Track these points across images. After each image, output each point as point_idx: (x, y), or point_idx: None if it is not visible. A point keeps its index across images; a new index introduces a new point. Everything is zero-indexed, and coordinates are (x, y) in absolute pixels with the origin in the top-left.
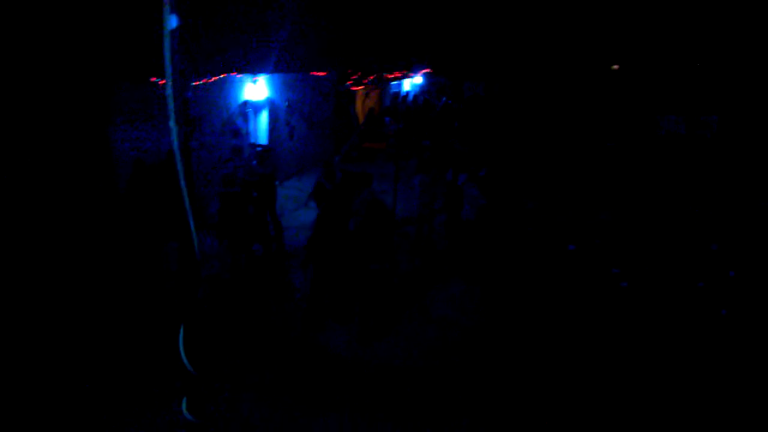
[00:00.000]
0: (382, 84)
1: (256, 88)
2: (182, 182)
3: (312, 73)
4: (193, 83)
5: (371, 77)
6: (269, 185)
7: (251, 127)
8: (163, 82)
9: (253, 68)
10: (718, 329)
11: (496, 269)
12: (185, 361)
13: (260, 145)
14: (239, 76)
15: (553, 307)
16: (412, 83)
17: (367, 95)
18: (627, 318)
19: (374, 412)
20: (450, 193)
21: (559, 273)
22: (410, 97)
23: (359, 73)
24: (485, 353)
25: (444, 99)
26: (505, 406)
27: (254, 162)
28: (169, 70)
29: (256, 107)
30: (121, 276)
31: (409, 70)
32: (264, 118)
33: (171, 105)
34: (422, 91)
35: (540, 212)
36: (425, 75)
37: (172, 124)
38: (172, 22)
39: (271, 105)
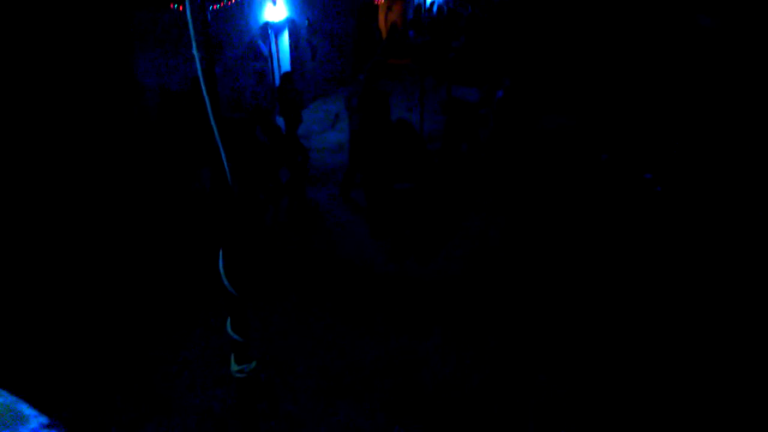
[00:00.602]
0: None
1: (276, 9)
2: (209, 111)
3: None
4: (212, 6)
5: None
6: (294, 110)
7: (273, 49)
8: (182, 7)
9: None
10: (757, 229)
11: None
12: (226, 283)
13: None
14: None
15: (589, 215)
16: None
17: (389, 8)
18: (662, 220)
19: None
20: (452, 111)
21: (594, 182)
22: (435, 8)
23: None
24: (513, 268)
25: (470, 8)
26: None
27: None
28: None
29: (277, 28)
30: (157, 200)
31: None
32: (285, 39)
33: (192, 30)
34: (446, 1)
35: (570, 127)
36: None
37: (194, 50)
38: None
39: (292, 25)
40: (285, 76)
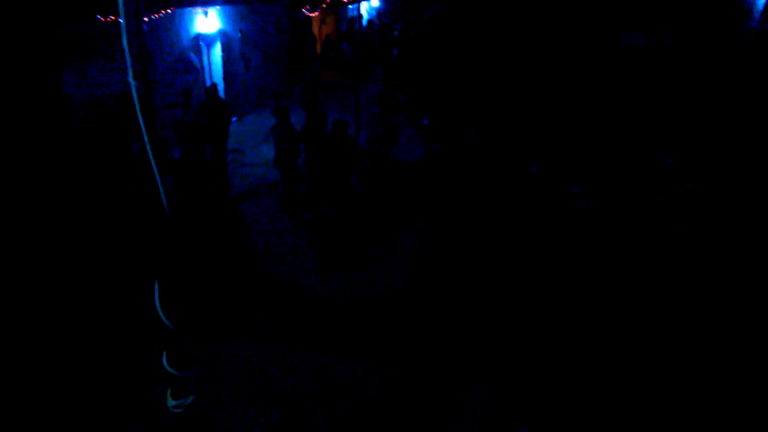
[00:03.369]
0: (339, 9)
1: (207, 21)
2: (143, 127)
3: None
4: (144, 18)
5: (327, 1)
6: (220, 123)
7: (204, 61)
8: (111, 19)
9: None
10: (676, 241)
11: (462, 203)
12: (163, 317)
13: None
14: (190, 8)
15: (519, 230)
16: (369, 6)
17: (323, 21)
18: (587, 234)
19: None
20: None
21: (524, 196)
22: (365, 22)
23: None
24: (455, 280)
25: (400, 23)
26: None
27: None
28: (121, 7)
29: (209, 40)
30: (83, 221)
31: None
32: (217, 51)
33: (126, 45)
34: (378, 15)
35: (499, 141)
36: None
37: (130, 78)
38: None
39: (224, 37)
40: (209, 90)
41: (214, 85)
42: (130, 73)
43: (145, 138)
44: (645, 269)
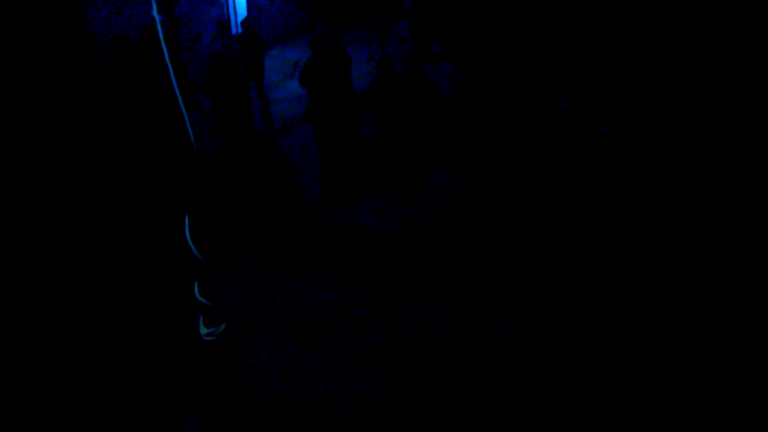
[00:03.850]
0: None
1: None
2: (167, 61)
3: None
4: None
5: None
6: (255, 58)
7: None
8: None
9: None
10: (707, 182)
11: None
12: (194, 249)
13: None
14: None
15: (545, 171)
16: None
17: None
18: (615, 176)
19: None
20: None
21: (553, 133)
22: None
23: None
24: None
25: None
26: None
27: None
28: None
29: None
30: (111, 158)
31: None
32: None
33: None
34: None
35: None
36: None
37: (154, 12)
38: None
39: None
40: (244, 22)
41: (247, 18)
42: (155, 6)
43: (170, 72)
44: (672, 213)
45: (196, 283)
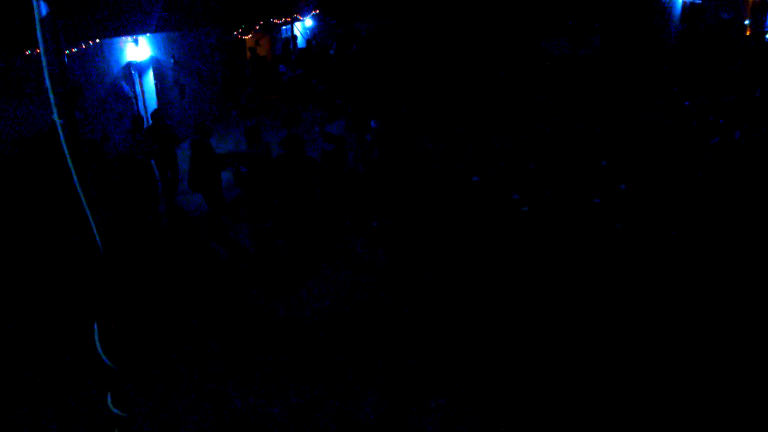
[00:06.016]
0: (272, 30)
1: (138, 49)
2: (71, 165)
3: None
4: (70, 50)
5: (259, 23)
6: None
7: (137, 90)
8: (36, 52)
9: (132, 29)
10: (614, 240)
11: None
12: (104, 358)
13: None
14: (118, 38)
15: (462, 239)
16: (303, 26)
17: (257, 43)
18: (530, 238)
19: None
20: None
21: (466, 205)
22: (301, 43)
23: (246, 22)
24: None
25: (335, 44)
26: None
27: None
28: (40, 41)
29: (141, 68)
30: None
31: (297, 13)
32: (150, 79)
33: (48, 81)
34: (313, 35)
35: (439, 150)
36: (314, 17)
37: (55, 117)
38: None
39: (157, 64)
40: (155, 114)
41: (159, 110)
42: (55, 111)
43: (74, 175)
44: (587, 268)
45: (108, 395)
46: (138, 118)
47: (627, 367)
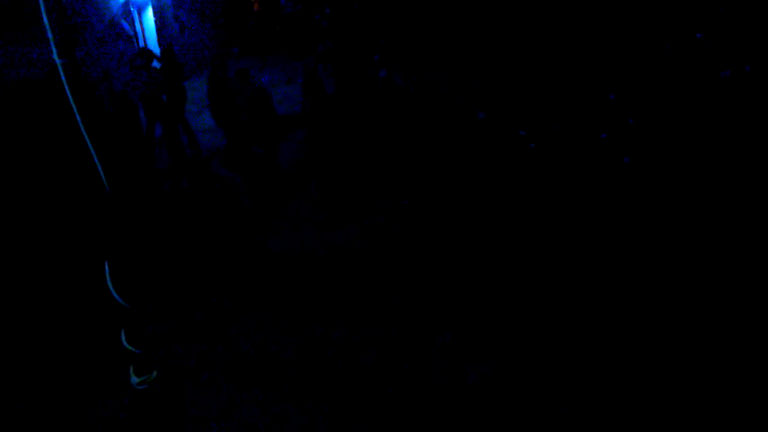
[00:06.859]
0: None
1: None
2: (74, 105)
3: None
4: None
5: None
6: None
7: (137, 28)
8: None
9: None
10: (622, 177)
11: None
12: (116, 296)
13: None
14: None
15: (467, 177)
16: None
17: None
18: (536, 176)
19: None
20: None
21: (473, 142)
22: None
23: None
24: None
25: None
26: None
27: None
28: None
29: (140, 5)
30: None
31: None
32: (150, 16)
33: (46, 21)
34: None
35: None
36: None
37: (55, 56)
38: None
39: (156, 0)
40: (167, 49)
41: (170, 45)
42: (55, 51)
43: (78, 117)
44: (595, 207)
45: (123, 331)
46: (146, 51)
47: (629, 305)
